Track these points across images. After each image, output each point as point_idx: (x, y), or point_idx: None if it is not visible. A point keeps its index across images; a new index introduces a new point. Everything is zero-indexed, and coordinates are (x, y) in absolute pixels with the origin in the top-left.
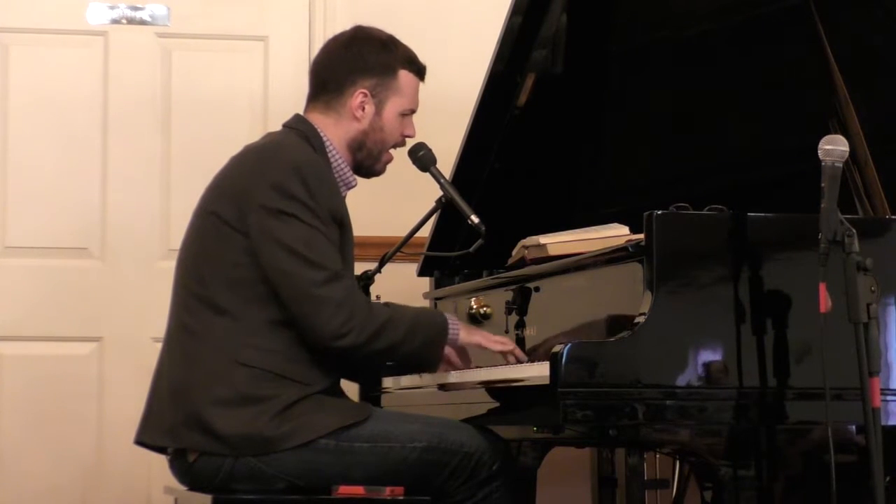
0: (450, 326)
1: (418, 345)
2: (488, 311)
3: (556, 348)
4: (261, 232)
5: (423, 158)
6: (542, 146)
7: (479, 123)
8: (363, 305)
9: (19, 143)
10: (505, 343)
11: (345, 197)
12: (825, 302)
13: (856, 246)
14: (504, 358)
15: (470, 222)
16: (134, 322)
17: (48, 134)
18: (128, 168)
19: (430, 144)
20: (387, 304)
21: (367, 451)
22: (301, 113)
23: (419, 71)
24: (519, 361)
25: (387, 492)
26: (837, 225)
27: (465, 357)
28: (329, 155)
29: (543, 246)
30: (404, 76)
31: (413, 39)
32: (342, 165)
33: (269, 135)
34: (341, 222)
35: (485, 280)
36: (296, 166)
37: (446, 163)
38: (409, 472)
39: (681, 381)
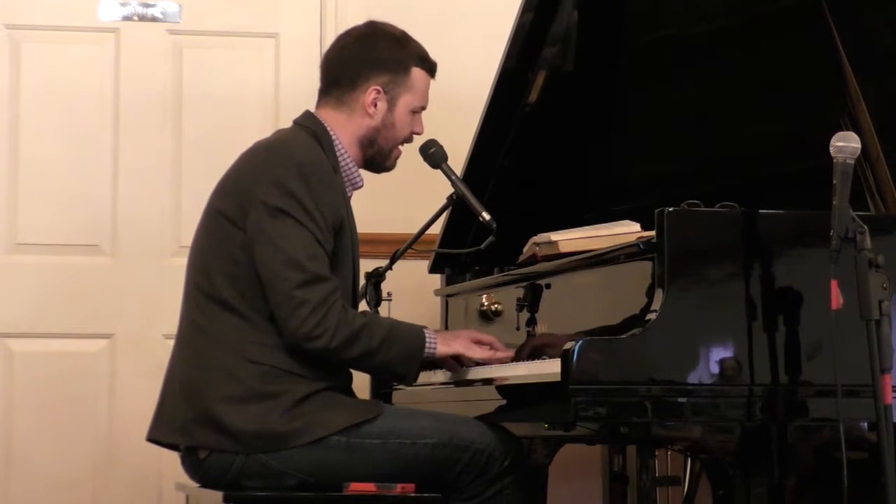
0: (427, 339)
1: (394, 355)
2: (499, 308)
3: (568, 345)
4: (256, 228)
5: (434, 155)
6: (553, 143)
7: (491, 120)
8: (340, 311)
9: (31, 139)
10: (487, 347)
11: (350, 197)
12: (837, 299)
13: (867, 243)
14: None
15: (481, 219)
16: (145, 319)
17: (59, 131)
18: (139, 165)
19: (441, 141)
20: (363, 313)
21: (379, 448)
22: (312, 109)
23: (431, 68)
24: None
25: (398, 488)
26: (849, 222)
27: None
28: (338, 154)
29: (555, 243)
30: (416, 73)
31: (424, 36)
32: (350, 165)
33: (279, 132)
34: (340, 226)
35: (496, 277)
36: (300, 164)
37: (457, 160)
38: (419, 468)
39: (692, 378)
